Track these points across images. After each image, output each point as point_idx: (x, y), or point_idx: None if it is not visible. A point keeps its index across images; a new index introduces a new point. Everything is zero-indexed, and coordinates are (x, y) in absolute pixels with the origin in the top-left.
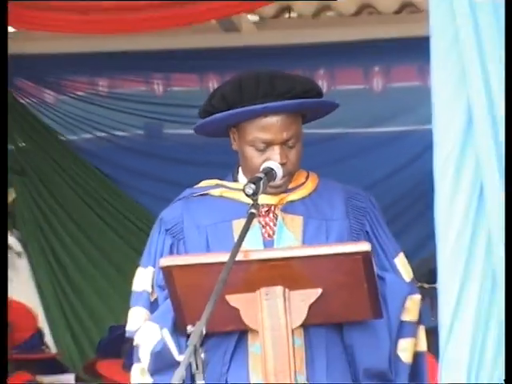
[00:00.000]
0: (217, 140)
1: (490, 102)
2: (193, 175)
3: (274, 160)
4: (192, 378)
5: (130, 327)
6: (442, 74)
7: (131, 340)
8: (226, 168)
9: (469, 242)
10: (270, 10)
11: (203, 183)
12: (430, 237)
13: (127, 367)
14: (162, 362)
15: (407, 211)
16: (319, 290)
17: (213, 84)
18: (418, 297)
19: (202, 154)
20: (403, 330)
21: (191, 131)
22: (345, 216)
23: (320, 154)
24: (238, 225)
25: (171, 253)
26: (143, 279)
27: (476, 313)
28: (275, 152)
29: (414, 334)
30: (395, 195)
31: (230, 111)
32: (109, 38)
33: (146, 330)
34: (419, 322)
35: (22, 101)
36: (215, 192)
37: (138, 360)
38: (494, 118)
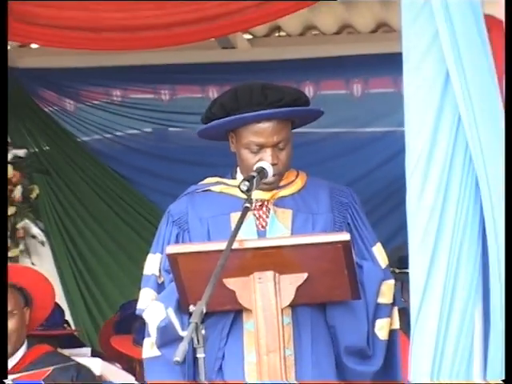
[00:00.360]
0: (217, 143)
1: (456, 109)
2: (196, 174)
3: (266, 161)
4: (194, 351)
5: (139, 306)
6: (413, 84)
7: (141, 318)
8: (226, 167)
9: (435, 233)
10: (262, 29)
11: (206, 181)
12: (402, 228)
13: (137, 342)
14: (167, 337)
15: (382, 205)
16: (305, 275)
17: (213, 94)
18: (392, 282)
19: (205, 156)
20: (379, 311)
21: (194, 135)
22: (329, 210)
23: (307, 155)
24: (235, 217)
25: (177, 241)
26: (152, 264)
27: (442, 295)
28: (267, 154)
29: (389, 315)
30: (373, 191)
31: (228, 118)
32: (121, 53)
33: (153, 309)
34: (393, 303)
35: (45, 109)
36: (216, 188)
37: (148, 335)
38: (461, 124)
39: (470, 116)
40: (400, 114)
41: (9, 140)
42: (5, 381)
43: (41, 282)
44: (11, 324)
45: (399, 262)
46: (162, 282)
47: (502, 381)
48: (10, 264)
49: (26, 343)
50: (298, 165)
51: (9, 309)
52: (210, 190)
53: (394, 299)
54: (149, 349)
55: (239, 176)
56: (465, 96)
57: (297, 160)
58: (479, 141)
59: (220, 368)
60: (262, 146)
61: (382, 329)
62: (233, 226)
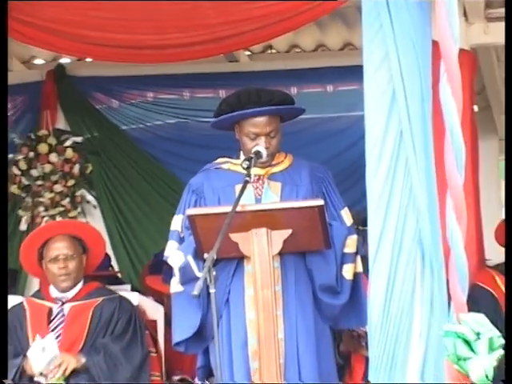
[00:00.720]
0: (227, 132)
1: (405, 102)
2: (210, 155)
3: (260, 145)
4: (207, 287)
5: (166, 253)
6: (371, 89)
7: (167, 262)
8: (232, 150)
9: (387, 200)
10: (258, 47)
11: (217, 160)
12: (363, 196)
13: (165, 281)
14: (186, 277)
15: (349, 178)
16: (290, 231)
17: (222, 95)
18: (355, 236)
19: (216, 141)
20: (345, 258)
21: (208, 126)
22: (309, 183)
23: (292, 141)
24: (238, 188)
25: (195, 206)
26: (176, 223)
27: (392, 247)
28: (261, 140)
29: (354, 261)
30: (342, 168)
31: (232, 113)
32: (153, 65)
33: (175, 256)
34: (357, 253)
35: (96, 107)
36: (224, 166)
37: (174, 275)
38: (409, 114)
39: (405, 113)
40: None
41: (69, 129)
42: (4, 381)
43: (95, 236)
44: (72, 265)
45: (362, 222)
46: (183, 237)
47: (502, 381)
48: (72, 220)
49: (82, 280)
50: (286, 147)
51: (70, 253)
52: (220, 168)
53: (357, 249)
54: (175, 285)
55: (242, 157)
56: (402, 100)
57: (285, 144)
58: (411, 132)
59: (227, 300)
60: (257, 135)
61: (347, 271)
62: (236, 194)
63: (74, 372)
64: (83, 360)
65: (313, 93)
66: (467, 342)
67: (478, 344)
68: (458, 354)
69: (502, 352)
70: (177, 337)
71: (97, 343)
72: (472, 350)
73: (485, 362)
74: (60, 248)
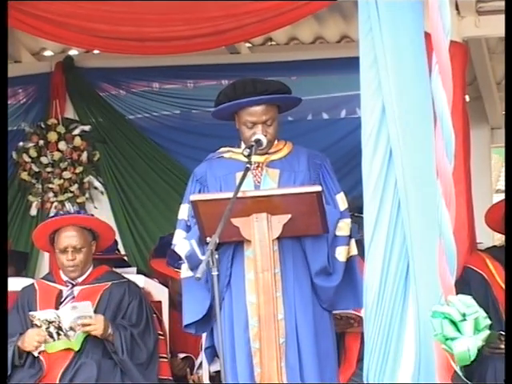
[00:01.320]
0: (228, 122)
1: (398, 99)
2: (212, 144)
3: (258, 134)
4: (209, 270)
5: (173, 242)
6: (366, 80)
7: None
8: (234, 139)
9: (382, 187)
10: (258, 39)
11: (220, 150)
12: (358, 183)
13: (169, 264)
14: (194, 263)
15: (345, 166)
16: (289, 216)
17: (224, 85)
18: (348, 220)
19: (219, 131)
20: (338, 241)
21: (210, 115)
22: (307, 169)
23: (294, 129)
24: (239, 175)
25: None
26: (183, 211)
27: (387, 231)
28: (258, 129)
29: (347, 243)
30: (339, 156)
31: (229, 103)
32: (158, 57)
33: (181, 244)
34: (350, 236)
35: (103, 96)
36: (226, 155)
37: (183, 262)
38: (400, 110)
39: (394, 104)
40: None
41: (77, 118)
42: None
43: (103, 225)
44: (80, 257)
45: (358, 209)
46: (190, 225)
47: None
48: (82, 215)
49: (92, 265)
50: (286, 136)
51: (79, 246)
52: (222, 157)
53: (351, 233)
54: (185, 271)
55: (242, 145)
56: (392, 93)
57: (284, 133)
58: (400, 127)
59: (228, 283)
60: (254, 123)
61: (340, 254)
62: (237, 181)
63: (96, 337)
64: (110, 330)
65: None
66: (454, 323)
67: (464, 325)
68: (444, 334)
69: (487, 333)
70: (187, 319)
71: (119, 322)
72: (458, 330)
73: (469, 342)
74: (69, 238)
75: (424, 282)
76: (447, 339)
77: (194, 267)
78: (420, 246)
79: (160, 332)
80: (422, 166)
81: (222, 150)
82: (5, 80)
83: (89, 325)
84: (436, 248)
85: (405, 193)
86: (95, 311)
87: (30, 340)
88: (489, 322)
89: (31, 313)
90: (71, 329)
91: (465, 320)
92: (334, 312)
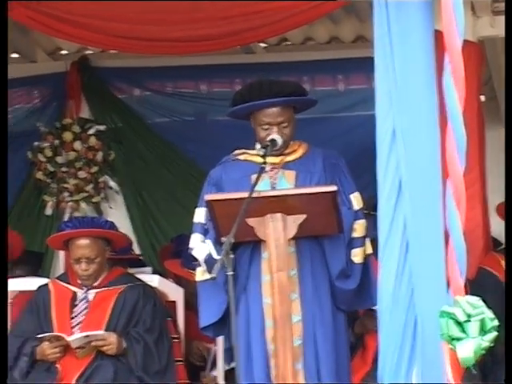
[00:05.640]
0: (244, 122)
1: (405, 98)
2: (230, 144)
3: (274, 134)
4: (225, 270)
5: (190, 245)
6: (382, 80)
7: (186, 248)
8: (250, 140)
9: (398, 187)
10: (273, 39)
11: (235, 152)
12: (373, 182)
13: (184, 265)
14: (211, 266)
15: (360, 165)
16: (304, 216)
17: (238, 86)
18: (362, 221)
19: (235, 131)
20: (353, 243)
21: (225, 117)
22: (322, 169)
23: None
24: (254, 177)
25: None
26: (199, 215)
27: (402, 232)
28: (274, 130)
29: (362, 245)
30: (353, 155)
31: (243, 105)
32: (173, 56)
33: (199, 248)
34: (365, 236)
35: (118, 96)
36: (241, 157)
37: (199, 265)
38: (405, 107)
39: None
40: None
41: (92, 118)
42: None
43: (117, 235)
44: (93, 267)
45: (373, 207)
46: (207, 228)
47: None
48: (97, 228)
49: (106, 268)
50: (302, 137)
51: (92, 256)
52: (237, 159)
53: (367, 233)
54: (200, 275)
55: (257, 146)
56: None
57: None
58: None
59: (246, 285)
60: (269, 124)
61: (356, 256)
62: (252, 183)
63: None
64: (124, 345)
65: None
66: (459, 323)
67: (469, 325)
68: (450, 334)
69: (494, 334)
70: (204, 321)
71: (132, 332)
72: (464, 330)
73: (473, 343)
74: (83, 249)
75: (427, 281)
76: (453, 339)
77: (211, 269)
78: (423, 245)
79: (175, 335)
80: (427, 164)
81: (237, 152)
82: (5, 80)
83: (102, 346)
84: (442, 247)
85: (409, 192)
86: (110, 315)
87: (44, 353)
88: (497, 323)
89: (40, 335)
90: (83, 347)
91: (469, 321)
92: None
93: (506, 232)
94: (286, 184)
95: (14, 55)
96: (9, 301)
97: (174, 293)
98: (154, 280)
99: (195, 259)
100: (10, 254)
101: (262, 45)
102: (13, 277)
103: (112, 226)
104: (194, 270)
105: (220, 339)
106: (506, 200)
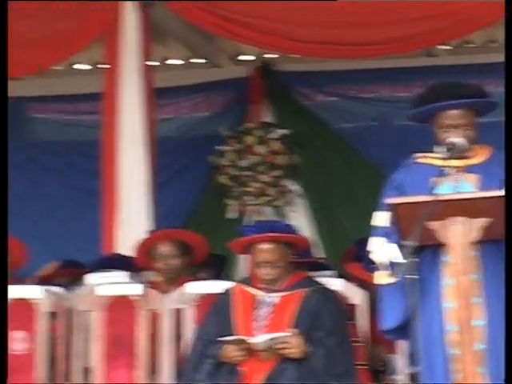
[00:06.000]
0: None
1: None
2: (409, 150)
3: (454, 137)
4: (408, 274)
5: (369, 248)
6: None
7: (368, 251)
8: (431, 143)
9: None
10: (455, 41)
11: (415, 155)
12: None
13: (367, 268)
14: (394, 269)
15: None
16: (487, 219)
17: (419, 90)
18: None
19: (417, 135)
20: None
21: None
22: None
23: None
24: (433, 180)
25: None
26: (380, 218)
27: None
28: (455, 132)
29: None
30: None
31: (425, 107)
32: (354, 61)
33: (379, 252)
34: None
35: (301, 101)
36: (421, 160)
37: (377, 269)
38: None
39: None
40: None
41: (274, 122)
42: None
43: (299, 238)
44: (276, 270)
45: None
46: (389, 232)
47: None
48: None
49: (289, 271)
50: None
51: (274, 261)
52: (417, 162)
53: None
54: (384, 278)
55: (436, 149)
56: None
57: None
58: None
59: (426, 289)
60: (451, 127)
61: None
62: (431, 187)
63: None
64: (308, 349)
65: None
66: None
67: None
68: None
69: None
70: (387, 325)
71: (315, 336)
72: None
73: None
74: (265, 253)
75: None
76: None
77: (395, 272)
78: None
79: (356, 339)
80: None
81: (417, 155)
82: (5, 80)
83: (285, 348)
84: None
85: None
86: (295, 318)
87: (228, 356)
88: None
89: (224, 338)
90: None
91: None
92: None
93: (506, 232)
94: (468, 187)
95: (201, 60)
96: (193, 303)
97: (357, 296)
98: (337, 283)
99: (374, 262)
100: (196, 258)
101: (444, 47)
102: (197, 279)
103: (293, 229)
104: (373, 273)
105: (399, 343)
106: (506, 200)
